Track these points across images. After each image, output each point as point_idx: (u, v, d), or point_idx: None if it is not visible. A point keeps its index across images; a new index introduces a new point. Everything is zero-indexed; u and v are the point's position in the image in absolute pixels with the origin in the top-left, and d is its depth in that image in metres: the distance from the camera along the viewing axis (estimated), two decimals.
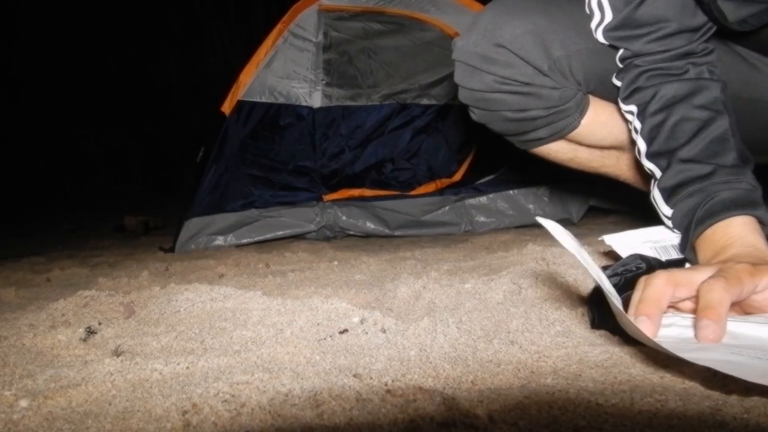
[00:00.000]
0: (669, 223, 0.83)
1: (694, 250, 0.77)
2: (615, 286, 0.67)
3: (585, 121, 1.07)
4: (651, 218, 0.88)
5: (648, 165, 0.87)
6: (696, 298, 0.60)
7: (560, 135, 1.09)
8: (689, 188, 0.79)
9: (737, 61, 1.00)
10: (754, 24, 0.87)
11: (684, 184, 0.80)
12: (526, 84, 1.01)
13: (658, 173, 0.85)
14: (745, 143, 0.82)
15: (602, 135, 1.09)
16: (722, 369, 0.49)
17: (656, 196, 0.85)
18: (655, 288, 0.61)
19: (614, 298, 0.61)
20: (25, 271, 1.87)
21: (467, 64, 1.04)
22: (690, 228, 0.77)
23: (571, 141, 1.11)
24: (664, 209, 0.83)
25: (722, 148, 0.80)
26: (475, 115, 1.12)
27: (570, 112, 1.05)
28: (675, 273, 0.63)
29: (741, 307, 0.64)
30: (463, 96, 1.09)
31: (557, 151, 1.14)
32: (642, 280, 0.64)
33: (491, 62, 1.01)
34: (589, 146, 1.12)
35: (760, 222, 0.74)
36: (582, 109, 1.06)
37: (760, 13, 0.86)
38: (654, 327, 0.58)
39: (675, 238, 0.83)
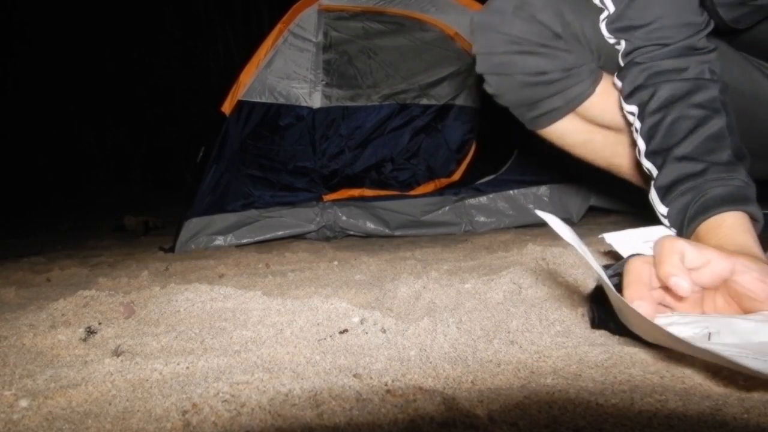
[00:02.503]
0: (666, 222, 0.83)
1: None
2: (615, 286, 0.67)
3: (599, 89, 1.06)
4: (651, 218, 0.88)
5: (646, 164, 0.87)
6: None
7: (574, 104, 1.07)
8: (682, 186, 0.79)
9: (740, 56, 1.00)
10: (748, 22, 0.89)
11: (678, 182, 0.80)
12: (543, 45, 1.02)
13: (654, 172, 0.85)
14: (746, 144, 0.82)
15: (615, 112, 1.07)
16: (730, 357, 0.48)
17: (653, 195, 0.85)
18: (633, 270, 0.61)
19: (613, 291, 0.61)
20: (25, 271, 1.87)
21: (486, 28, 1.05)
22: (683, 226, 0.77)
23: (585, 119, 1.10)
24: (660, 208, 0.83)
25: (718, 145, 0.80)
26: (491, 86, 1.11)
27: (584, 77, 1.05)
28: (648, 256, 0.63)
29: (734, 300, 0.63)
30: (480, 64, 1.09)
31: (572, 132, 1.12)
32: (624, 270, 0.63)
33: (510, 24, 1.02)
34: (602, 126, 1.11)
35: (752, 218, 0.74)
36: (595, 78, 1.06)
37: (751, 12, 0.87)
38: (649, 306, 0.57)
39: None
